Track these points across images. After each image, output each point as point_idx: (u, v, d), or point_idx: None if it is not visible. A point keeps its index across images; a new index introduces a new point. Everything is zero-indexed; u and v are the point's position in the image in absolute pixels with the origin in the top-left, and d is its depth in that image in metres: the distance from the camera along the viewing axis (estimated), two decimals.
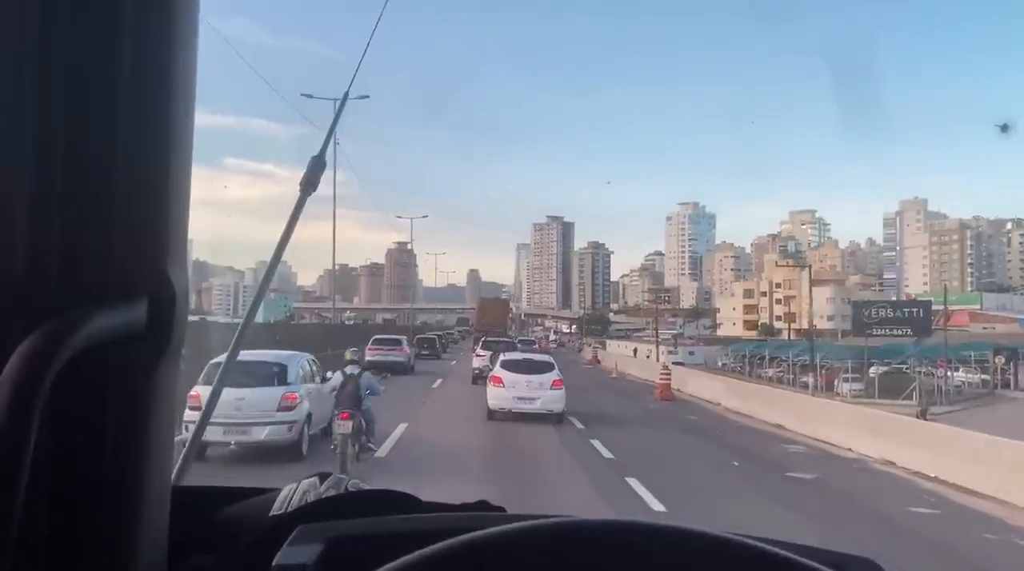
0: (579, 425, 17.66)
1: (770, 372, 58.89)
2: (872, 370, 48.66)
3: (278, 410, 11.63)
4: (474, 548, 0.49)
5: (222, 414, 10.33)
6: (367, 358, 21.61)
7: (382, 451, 12.18)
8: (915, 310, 49.19)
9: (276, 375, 12.06)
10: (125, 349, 0.67)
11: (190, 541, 0.86)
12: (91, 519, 0.69)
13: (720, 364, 71.72)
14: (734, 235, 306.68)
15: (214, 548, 0.87)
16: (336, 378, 11.77)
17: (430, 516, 0.87)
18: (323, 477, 0.97)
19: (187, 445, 1.21)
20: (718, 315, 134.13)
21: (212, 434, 10.66)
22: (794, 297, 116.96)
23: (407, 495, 0.94)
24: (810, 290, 50.80)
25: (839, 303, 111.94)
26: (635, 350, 76.75)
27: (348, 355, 12.11)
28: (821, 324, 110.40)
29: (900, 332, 47.55)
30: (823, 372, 48.83)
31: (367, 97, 32.20)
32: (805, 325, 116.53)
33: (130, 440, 0.70)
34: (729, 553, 0.50)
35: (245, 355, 10.00)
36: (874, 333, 47.97)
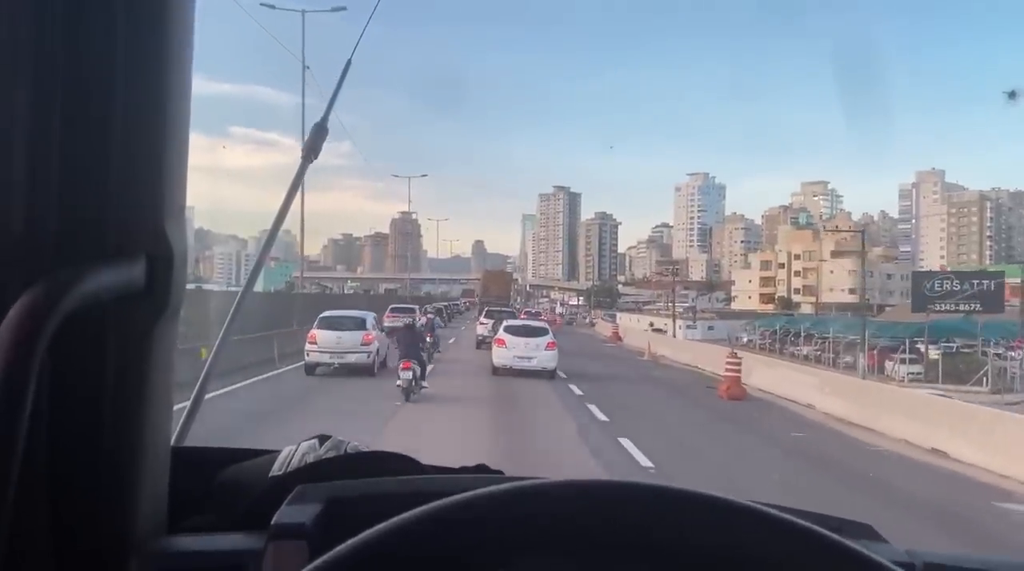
0: (637, 455, 10.88)
1: (805, 350, 52.22)
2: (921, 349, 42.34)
3: (360, 345, 18.38)
4: (470, 506, 0.49)
5: (328, 347, 18.09)
6: (385, 324, 23.71)
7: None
8: (986, 283, 42.05)
9: (358, 324, 18.89)
10: (123, 308, 0.66)
11: (190, 501, 0.85)
12: (91, 477, 0.68)
13: (745, 340, 65.08)
14: (744, 206, 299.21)
15: (214, 508, 0.87)
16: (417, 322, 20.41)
17: (429, 478, 0.86)
18: (322, 439, 0.96)
19: (188, 406, 1.19)
20: (733, 288, 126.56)
21: (322, 358, 18.14)
22: (814, 269, 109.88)
23: (406, 457, 0.93)
24: (863, 258, 43.29)
25: (861, 275, 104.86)
26: (651, 324, 70.19)
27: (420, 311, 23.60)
28: (842, 297, 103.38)
29: (967, 307, 40.62)
30: (873, 352, 41.89)
31: (344, 8, 26.86)
32: (824, 298, 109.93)
33: (129, 399, 0.69)
34: (728, 514, 0.49)
35: (339, 312, 20.15)
36: (937, 308, 41.02)
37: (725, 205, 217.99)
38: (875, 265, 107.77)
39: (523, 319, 27.91)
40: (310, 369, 18.38)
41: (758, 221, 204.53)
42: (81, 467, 0.68)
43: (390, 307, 34.66)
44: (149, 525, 0.74)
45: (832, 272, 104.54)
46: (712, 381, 21.91)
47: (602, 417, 14.24)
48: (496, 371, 19.91)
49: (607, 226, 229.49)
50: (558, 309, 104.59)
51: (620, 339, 43.28)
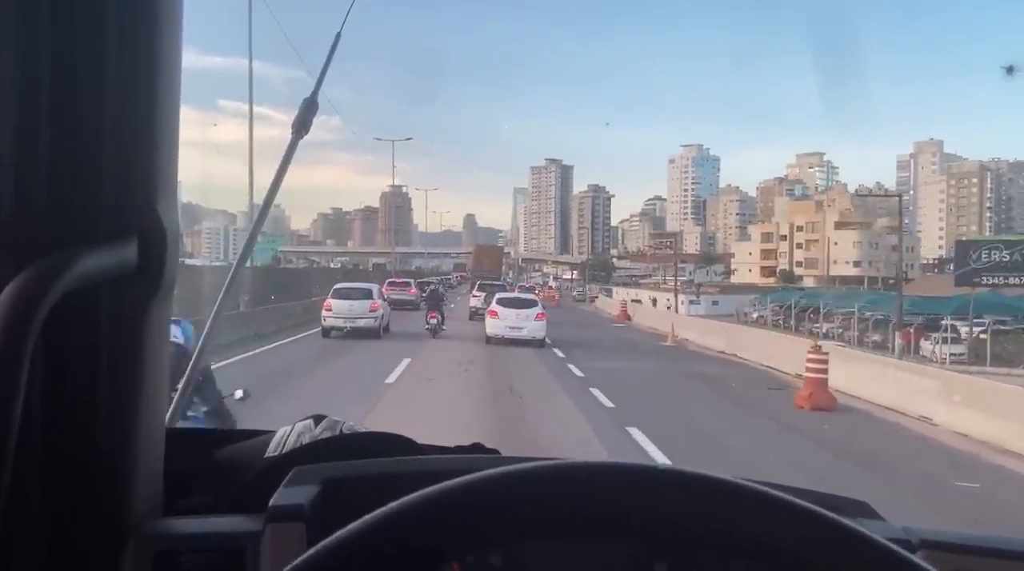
0: None
1: (824, 328, 47.33)
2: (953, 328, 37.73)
3: (368, 312, 21.12)
4: (470, 489, 0.48)
5: (341, 313, 20.79)
6: (385, 295, 25.96)
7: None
8: None
9: (366, 294, 21.86)
10: (116, 289, 0.65)
11: (186, 482, 0.85)
12: (86, 460, 0.68)
13: (755, 316, 60.21)
14: (739, 178, 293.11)
15: (210, 488, 0.86)
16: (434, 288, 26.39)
17: (425, 458, 0.85)
18: (317, 419, 0.95)
19: (180, 388, 1.18)
20: (732, 260, 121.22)
21: (336, 322, 20.82)
22: (816, 241, 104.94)
23: (401, 437, 0.92)
24: (900, 227, 38.23)
25: (867, 247, 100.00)
26: (654, 300, 65.24)
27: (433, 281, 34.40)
28: (846, 270, 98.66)
29: (1020, 279, 35.65)
30: (909, 330, 36.87)
31: None
32: (827, 272, 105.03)
33: (123, 380, 0.69)
34: (727, 494, 0.48)
35: (351, 285, 23.24)
36: (983, 281, 36.04)
37: (719, 177, 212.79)
38: (880, 237, 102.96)
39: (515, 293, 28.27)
40: (326, 332, 21.17)
41: (753, 193, 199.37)
42: (76, 450, 0.67)
43: (387, 281, 35.85)
44: (146, 507, 0.74)
45: (836, 244, 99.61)
46: (770, 380, 16.91)
47: (654, 451, 9.24)
48: (489, 340, 20.75)
49: (600, 199, 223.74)
50: (551, 283, 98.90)
51: (629, 318, 38.22)
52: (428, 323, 21.96)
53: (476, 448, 0.94)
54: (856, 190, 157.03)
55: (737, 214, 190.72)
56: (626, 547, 0.53)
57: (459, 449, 0.93)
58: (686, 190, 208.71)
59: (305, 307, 25.64)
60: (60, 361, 0.65)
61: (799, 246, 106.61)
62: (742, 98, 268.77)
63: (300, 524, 0.70)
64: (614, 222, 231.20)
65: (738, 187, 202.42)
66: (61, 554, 0.67)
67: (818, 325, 47.79)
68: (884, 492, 8.21)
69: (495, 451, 0.93)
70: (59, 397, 0.65)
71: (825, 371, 13.03)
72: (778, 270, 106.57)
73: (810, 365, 13.17)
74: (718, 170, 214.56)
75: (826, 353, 13.30)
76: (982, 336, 35.85)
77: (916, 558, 0.44)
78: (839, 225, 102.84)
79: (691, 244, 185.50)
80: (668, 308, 55.14)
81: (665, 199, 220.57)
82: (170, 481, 0.80)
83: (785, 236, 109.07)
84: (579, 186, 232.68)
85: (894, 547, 0.46)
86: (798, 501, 0.48)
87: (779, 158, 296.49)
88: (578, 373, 16.06)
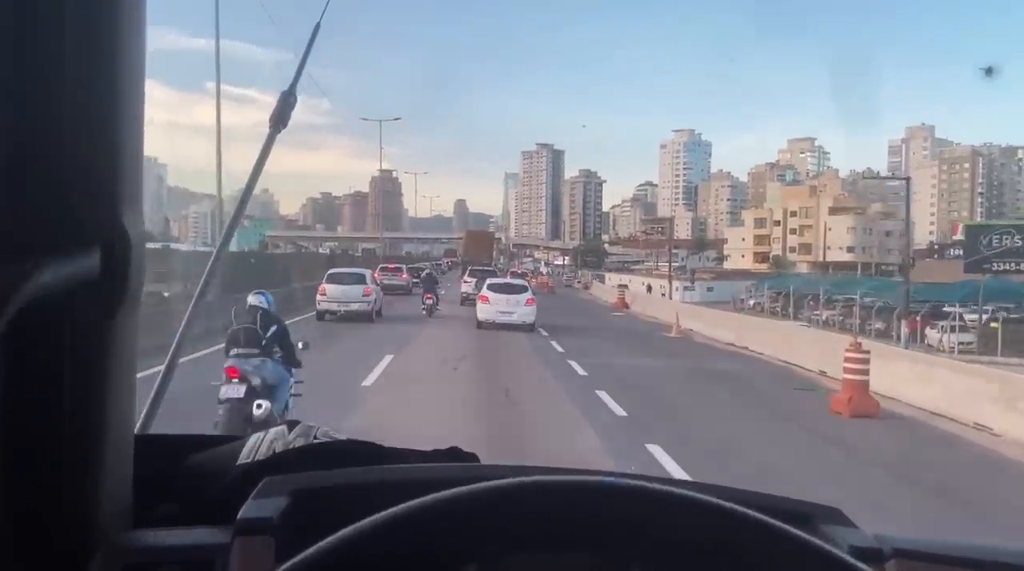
0: None
1: (824, 315, 45.79)
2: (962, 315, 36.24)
3: (362, 296, 21.63)
4: (444, 506, 0.48)
5: (336, 298, 21.36)
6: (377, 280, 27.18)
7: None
8: None
9: (359, 279, 22.26)
10: (80, 300, 0.64)
11: (156, 489, 0.83)
12: (53, 470, 0.67)
13: (752, 303, 58.67)
14: (730, 164, 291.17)
15: (180, 497, 0.85)
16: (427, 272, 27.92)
17: (398, 468, 0.84)
18: (291, 425, 0.94)
19: (152, 393, 1.16)
20: (725, 246, 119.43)
21: (330, 306, 21.41)
22: (810, 226, 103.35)
23: (375, 445, 0.91)
24: (908, 209, 36.49)
25: (861, 233, 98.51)
26: (648, 286, 63.60)
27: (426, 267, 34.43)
28: (840, 256, 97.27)
29: None
30: (915, 318, 35.31)
31: None
32: (821, 257, 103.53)
33: (90, 391, 0.68)
34: (697, 512, 0.48)
35: (344, 270, 23.43)
36: (994, 268, 34.48)
37: (711, 162, 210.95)
38: (875, 222, 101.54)
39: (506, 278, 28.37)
40: (320, 316, 21.70)
41: (744, 179, 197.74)
42: (42, 463, 0.66)
43: (379, 266, 36.52)
44: (114, 518, 0.73)
45: (831, 229, 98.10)
46: (795, 378, 15.24)
47: (676, 468, 7.54)
48: (480, 325, 20.87)
49: (591, 184, 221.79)
50: (543, 269, 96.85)
51: (627, 306, 36.53)
52: (424, 304, 24.23)
53: (453, 452, 0.91)
54: (863, 174, 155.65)
55: (728, 200, 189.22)
56: (586, 557, 0.55)
57: (436, 454, 0.91)
58: (677, 175, 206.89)
59: (285, 295, 24.18)
60: (23, 373, 0.64)
61: (793, 232, 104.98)
62: (734, 83, 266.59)
63: (269, 537, 0.69)
64: (606, 207, 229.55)
65: (730, 173, 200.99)
66: (28, 566, 0.66)
67: (817, 312, 46.35)
68: (976, 529, 6.54)
69: (473, 455, 0.91)
70: (23, 409, 0.64)
71: (867, 372, 11.34)
72: (771, 256, 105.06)
73: (849, 366, 11.47)
74: (710, 155, 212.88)
75: (867, 352, 11.60)
76: (992, 324, 34.30)
77: (863, 566, 0.44)
78: (833, 210, 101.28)
79: (683, 230, 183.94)
80: (663, 295, 53.89)
81: (656, 185, 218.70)
82: (140, 488, 0.79)
83: (779, 221, 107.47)
84: (571, 171, 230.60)
85: (853, 562, 0.45)
86: (753, 514, 0.48)
87: (771, 144, 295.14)
88: (581, 372, 14.34)
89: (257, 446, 0.89)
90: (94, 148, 0.65)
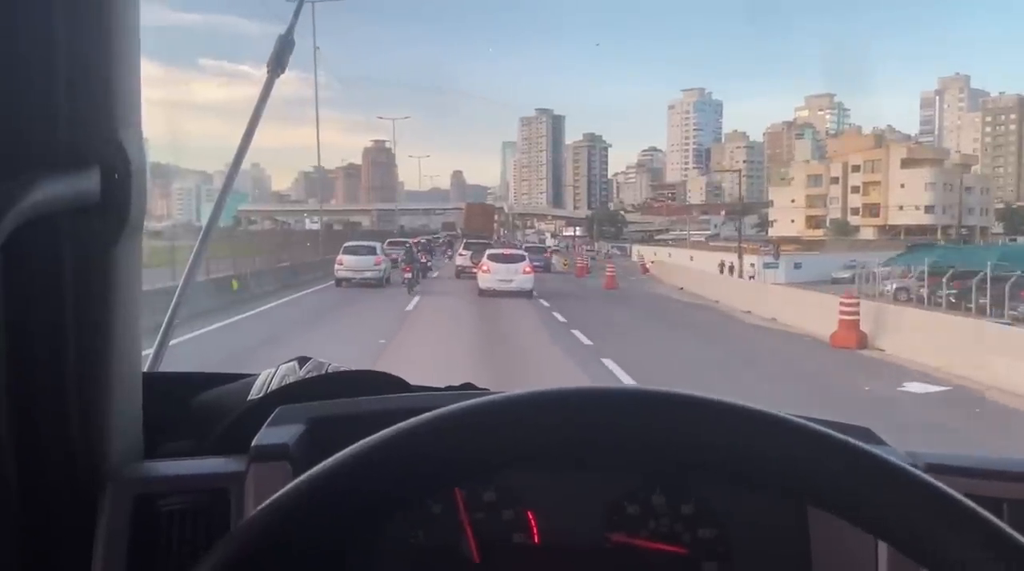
0: None
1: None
2: None
3: (373, 265, 24.01)
4: (452, 419, 0.44)
5: (351, 267, 23.60)
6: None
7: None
8: None
9: (371, 250, 24.99)
10: (79, 222, 0.60)
11: (167, 427, 0.80)
12: (57, 404, 0.64)
13: (892, 288, 39.14)
14: (744, 124, 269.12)
15: (191, 432, 0.81)
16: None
17: (413, 395, 0.81)
18: (302, 361, 0.90)
19: (161, 331, 1.12)
20: (770, 210, 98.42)
21: (347, 274, 23.50)
22: (877, 183, 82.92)
23: (388, 375, 0.87)
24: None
25: (941, 190, 78.19)
26: (721, 265, 43.80)
27: (411, 242, 29.98)
28: (916, 217, 77.05)
29: None
30: None
31: None
32: (892, 220, 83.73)
33: (92, 320, 0.64)
34: (737, 419, 0.43)
35: (358, 242, 26.32)
36: None
37: (723, 123, 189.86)
38: (954, 175, 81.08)
39: (530, 255, 27.90)
40: (338, 283, 23.82)
41: (760, 138, 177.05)
42: (46, 392, 0.63)
43: (387, 241, 36.28)
44: (124, 452, 0.70)
45: (903, 186, 77.67)
46: None
47: None
48: (482, 293, 21.58)
49: (596, 149, 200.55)
50: (549, 242, 74.64)
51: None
52: (404, 277, 23.68)
53: (467, 388, 0.86)
54: (884, 131, 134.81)
55: (744, 161, 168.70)
56: (619, 475, 0.47)
57: (450, 389, 0.86)
58: (687, 138, 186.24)
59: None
60: (24, 296, 0.60)
61: (854, 190, 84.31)
62: (747, 38, 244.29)
63: (285, 463, 0.66)
64: (609, 175, 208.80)
65: (744, 133, 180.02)
66: (35, 500, 0.63)
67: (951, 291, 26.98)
68: None
69: (486, 391, 0.84)
70: (23, 332, 0.61)
71: None
72: (828, 220, 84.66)
73: None
74: (721, 116, 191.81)
75: None
76: None
77: (926, 476, 0.41)
78: (906, 162, 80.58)
79: (696, 194, 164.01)
80: (746, 275, 37.86)
81: (662, 151, 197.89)
82: (151, 426, 0.75)
83: (837, 178, 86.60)
84: (572, 137, 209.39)
85: (907, 465, 0.42)
86: (801, 421, 0.44)
87: (786, 102, 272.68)
88: None
89: (268, 381, 0.86)
90: (88, 65, 0.61)
